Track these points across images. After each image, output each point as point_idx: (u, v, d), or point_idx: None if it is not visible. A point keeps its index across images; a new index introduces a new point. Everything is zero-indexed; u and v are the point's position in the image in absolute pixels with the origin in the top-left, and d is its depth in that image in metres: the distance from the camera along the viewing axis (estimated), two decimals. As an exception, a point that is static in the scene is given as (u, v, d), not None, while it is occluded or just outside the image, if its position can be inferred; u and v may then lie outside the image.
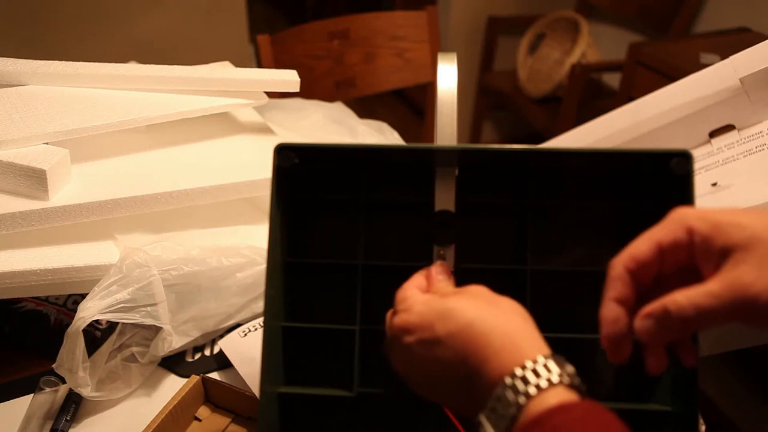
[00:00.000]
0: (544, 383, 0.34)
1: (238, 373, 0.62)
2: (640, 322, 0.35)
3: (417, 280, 0.44)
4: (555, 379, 0.34)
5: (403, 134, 1.01)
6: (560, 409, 0.33)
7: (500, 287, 0.41)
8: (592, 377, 0.37)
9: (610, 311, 0.37)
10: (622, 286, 0.37)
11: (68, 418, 0.58)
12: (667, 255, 0.37)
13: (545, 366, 0.35)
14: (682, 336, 0.37)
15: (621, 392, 0.49)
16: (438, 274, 0.45)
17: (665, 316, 0.34)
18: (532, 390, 0.34)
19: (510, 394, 0.34)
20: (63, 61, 0.71)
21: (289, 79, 0.79)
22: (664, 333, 0.35)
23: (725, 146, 0.65)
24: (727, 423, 1.16)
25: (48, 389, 0.59)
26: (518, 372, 0.34)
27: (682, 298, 0.34)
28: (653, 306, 0.35)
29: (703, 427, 0.53)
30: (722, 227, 0.35)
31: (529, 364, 0.35)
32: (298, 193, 0.50)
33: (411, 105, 2.75)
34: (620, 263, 0.37)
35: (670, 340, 0.37)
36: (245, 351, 0.64)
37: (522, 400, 0.34)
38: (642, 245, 0.37)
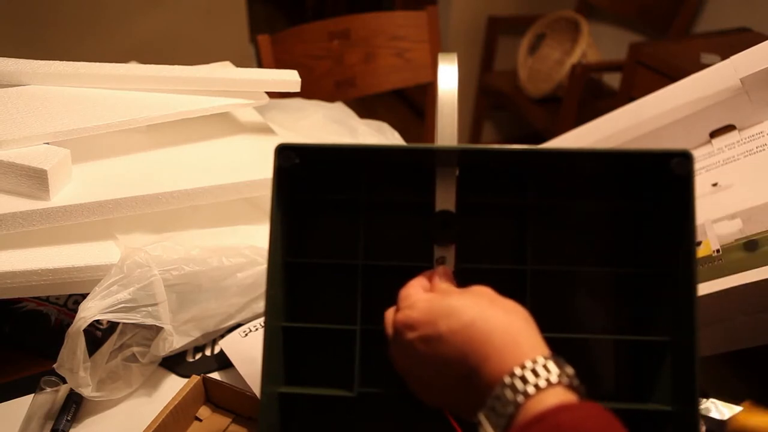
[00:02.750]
0: (543, 383, 0.34)
1: (239, 373, 0.62)
2: None
3: (420, 281, 0.45)
4: (554, 379, 0.34)
5: (403, 134, 1.01)
6: (563, 408, 0.33)
7: (500, 287, 0.41)
8: (592, 377, 0.37)
9: None
10: None
11: (69, 418, 0.58)
12: None
13: (545, 366, 0.35)
14: None
15: (621, 392, 0.49)
16: (441, 276, 0.45)
17: None
18: (530, 389, 0.34)
19: (509, 393, 0.34)
20: (63, 61, 0.71)
21: (289, 79, 0.79)
22: None
23: (726, 146, 0.65)
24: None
25: (49, 389, 0.59)
26: (517, 371, 0.34)
27: None
28: None
29: (703, 428, 0.53)
30: None
31: (528, 364, 0.35)
32: (299, 193, 0.50)
33: (411, 105, 2.75)
34: None
35: None
36: (246, 351, 0.64)
37: (520, 399, 0.34)
38: None
